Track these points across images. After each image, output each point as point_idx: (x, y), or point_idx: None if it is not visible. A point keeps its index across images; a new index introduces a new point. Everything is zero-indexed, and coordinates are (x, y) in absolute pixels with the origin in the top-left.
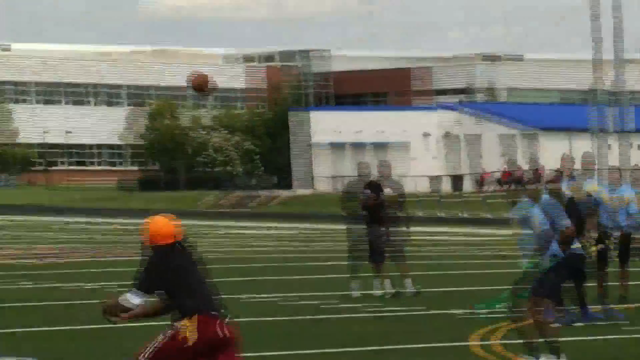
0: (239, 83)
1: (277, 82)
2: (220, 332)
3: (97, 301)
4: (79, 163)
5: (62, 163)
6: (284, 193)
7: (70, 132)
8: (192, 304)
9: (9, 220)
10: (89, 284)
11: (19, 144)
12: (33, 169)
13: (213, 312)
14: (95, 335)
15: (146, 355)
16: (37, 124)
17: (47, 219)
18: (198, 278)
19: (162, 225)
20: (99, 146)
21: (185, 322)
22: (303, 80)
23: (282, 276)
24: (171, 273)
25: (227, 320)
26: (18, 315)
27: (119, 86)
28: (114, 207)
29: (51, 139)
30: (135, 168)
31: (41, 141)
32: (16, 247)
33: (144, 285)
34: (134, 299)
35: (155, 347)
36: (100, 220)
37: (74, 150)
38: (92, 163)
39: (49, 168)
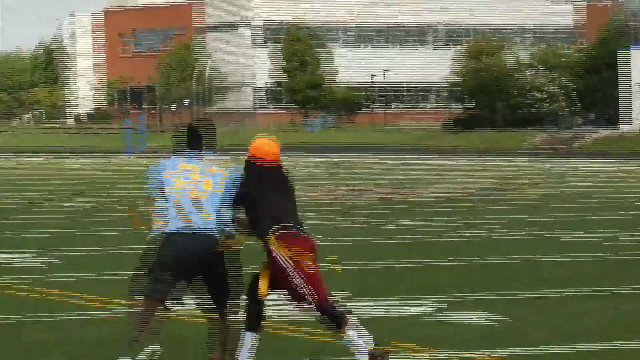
0: (564, 20)
1: (601, 19)
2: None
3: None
4: (399, 103)
5: (382, 103)
6: (607, 132)
7: (389, 72)
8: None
9: (327, 159)
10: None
11: (340, 85)
12: (356, 110)
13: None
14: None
15: (311, 292)
16: (357, 65)
17: (369, 158)
18: (276, 201)
19: (264, 144)
20: (421, 86)
21: (272, 246)
22: (631, 19)
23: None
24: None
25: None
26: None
27: (436, 25)
28: (437, 146)
29: (371, 79)
30: (458, 107)
31: (362, 81)
32: (338, 186)
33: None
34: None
35: (302, 280)
36: (423, 159)
37: (393, 90)
38: (413, 103)
39: (370, 108)
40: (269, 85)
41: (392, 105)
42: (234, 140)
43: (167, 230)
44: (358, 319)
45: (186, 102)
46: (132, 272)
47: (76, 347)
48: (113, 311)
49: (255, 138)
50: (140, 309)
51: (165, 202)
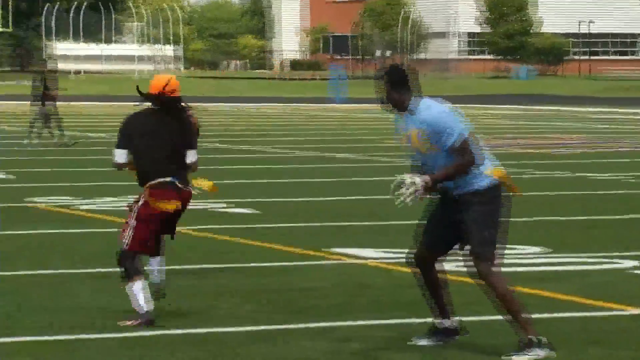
0: None
1: None
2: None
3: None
4: (604, 52)
5: (585, 53)
6: None
7: (594, 23)
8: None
9: (533, 108)
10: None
11: (545, 33)
12: (561, 58)
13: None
14: None
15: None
16: (562, 13)
17: (571, 108)
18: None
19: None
20: (629, 35)
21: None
22: None
23: None
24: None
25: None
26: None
27: None
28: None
29: (578, 27)
30: None
31: (567, 31)
32: (538, 136)
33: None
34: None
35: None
36: (625, 111)
37: (598, 39)
38: (619, 53)
39: (576, 57)
40: (472, 33)
41: (598, 55)
42: (435, 88)
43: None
44: (556, 272)
45: (388, 52)
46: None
47: (279, 294)
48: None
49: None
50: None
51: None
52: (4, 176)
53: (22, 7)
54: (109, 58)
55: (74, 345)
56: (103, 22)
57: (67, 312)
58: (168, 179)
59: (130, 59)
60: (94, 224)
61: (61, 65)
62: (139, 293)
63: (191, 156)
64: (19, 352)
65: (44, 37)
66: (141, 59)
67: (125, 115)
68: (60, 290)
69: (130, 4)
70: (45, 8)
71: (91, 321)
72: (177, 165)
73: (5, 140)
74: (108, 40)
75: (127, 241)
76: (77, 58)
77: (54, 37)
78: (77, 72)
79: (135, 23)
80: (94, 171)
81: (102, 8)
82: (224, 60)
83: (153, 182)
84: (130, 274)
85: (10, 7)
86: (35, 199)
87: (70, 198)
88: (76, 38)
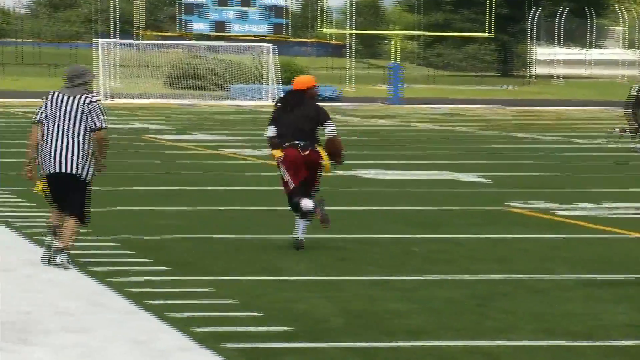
0: None
1: None
2: (300, 153)
3: None
4: None
5: None
6: None
7: None
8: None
9: None
10: None
11: None
12: None
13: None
14: None
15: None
16: None
17: None
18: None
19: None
20: None
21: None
22: None
23: None
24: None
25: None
26: None
27: None
28: None
29: None
30: None
31: None
32: None
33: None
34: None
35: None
36: None
37: None
38: None
39: None
40: None
41: None
42: None
43: None
44: None
45: None
46: None
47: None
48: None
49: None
50: None
51: None
52: (482, 180)
53: (506, 12)
54: (594, 62)
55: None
56: (588, 26)
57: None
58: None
59: (614, 63)
60: (572, 229)
61: (541, 70)
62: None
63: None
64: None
65: (528, 43)
66: (627, 63)
67: None
68: (553, 296)
69: (617, 8)
70: (530, 13)
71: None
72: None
73: (480, 144)
74: (591, 45)
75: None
76: (559, 62)
77: (534, 42)
78: (560, 77)
79: (620, 27)
80: (574, 177)
81: (587, 13)
82: None
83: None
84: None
85: (493, 13)
86: (513, 203)
87: (549, 203)
88: (558, 42)
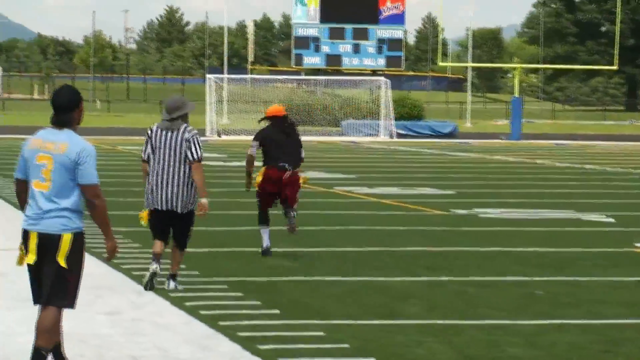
0: None
1: None
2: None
3: None
4: None
5: None
6: None
7: None
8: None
9: None
10: None
11: None
12: None
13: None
14: None
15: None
16: None
17: None
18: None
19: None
20: None
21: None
22: None
23: None
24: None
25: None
26: None
27: None
28: None
29: None
30: None
31: None
32: None
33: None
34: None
35: None
36: None
37: None
38: None
39: None
40: None
41: None
42: None
43: None
44: None
45: None
46: None
47: None
48: None
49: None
50: None
51: None
52: (607, 219)
53: (632, 44)
54: None
55: None
56: None
57: None
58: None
59: None
60: None
61: None
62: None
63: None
64: None
65: None
66: None
67: None
68: None
69: None
70: None
71: None
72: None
73: (604, 182)
74: None
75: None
76: None
77: None
78: None
79: None
80: None
81: None
82: None
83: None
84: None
85: (619, 45)
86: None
87: None
88: None
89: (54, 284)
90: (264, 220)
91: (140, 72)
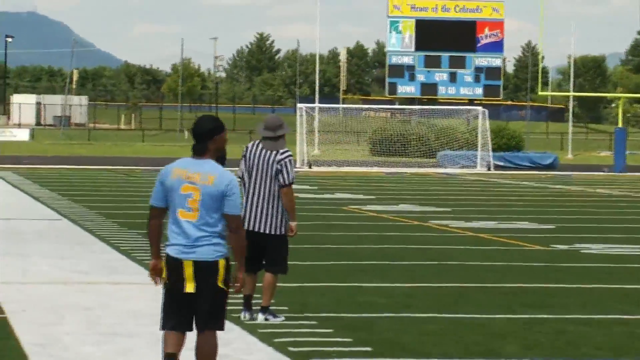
0: None
1: None
2: None
3: None
4: None
5: None
6: None
7: None
8: None
9: None
10: None
11: None
12: None
13: None
14: None
15: None
16: None
17: None
18: None
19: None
20: None
21: None
22: None
23: None
24: None
25: None
26: None
27: None
28: None
29: None
30: None
31: None
32: None
33: None
34: None
35: None
36: None
37: None
38: None
39: None
40: None
41: None
42: None
43: None
44: None
45: None
46: None
47: None
48: None
49: None
50: None
51: None
52: None
53: None
54: None
55: None
56: None
57: None
58: None
59: None
60: None
61: None
62: None
63: None
64: None
65: None
66: None
67: None
68: None
69: None
70: None
71: None
72: None
73: None
74: None
75: None
76: None
77: None
78: None
79: None
80: None
81: None
82: None
83: None
84: None
85: None
86: None
87: None
88: None
89: (212, 308)
90: None
91: (229, 101)
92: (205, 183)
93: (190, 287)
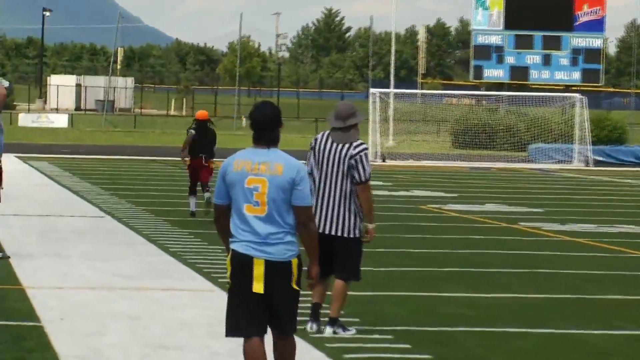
0: None
1: None
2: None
3: None
4: None
5: None
6: None
7: None
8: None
9: None
10: None
11: None
12: None
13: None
14: None
15: None
16: None
17: None
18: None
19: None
20: None
21: None
22: None
23: None
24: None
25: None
26: None
27: None
28: None
29: None
30: None
31: None
32: None
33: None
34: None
35: None
36: None
37: None
38: None
39: None
40: None
41: None
42: None
43: None
44: None
45: None
46: None
47: None
48: None
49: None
50: None
51: None
52: None
53: None
54: None
55: None
56: None
57: None
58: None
59: None
60: None
61: None
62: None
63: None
64: None
65: None
66: None
67: None
68: None
69: None
70: None
71: None
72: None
73: None
74: None
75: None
76: None
77: None
78: None
79: None
80: None
81: None
82: None
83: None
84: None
85: None
86: None
87: None
88: None
89: (287, 311)
90: (192, 191)
91: (293, 85)
92: (273, 173)
93: (258, 287)
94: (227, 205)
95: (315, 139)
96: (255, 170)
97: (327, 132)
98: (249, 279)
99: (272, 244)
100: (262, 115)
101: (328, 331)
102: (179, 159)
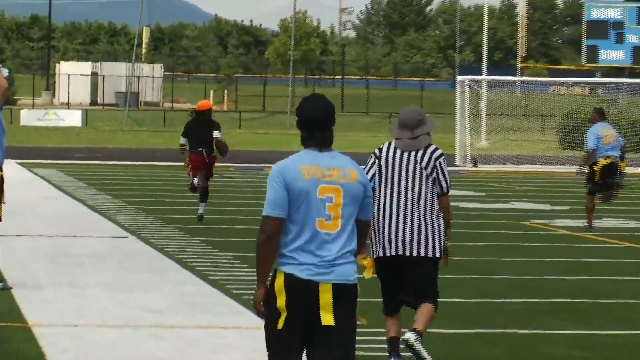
0: None
1: None
2: (203, 155)
3: None
4: None
5: None
6: None
7: None
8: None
9: None
10: None
11: None
12: None
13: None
14: None
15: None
16: None
17: None
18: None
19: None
20: None
21: None
22: None
23: None
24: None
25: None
26: None
27: None
28: None
29: None
30: None
31: None
32: None
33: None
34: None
35: None
36: None
37: None
38: None
39: None
40: None
41: None
42: None
43: None
44: None
45: None
46: None
47: None
48: None
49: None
50: None
51: None
52: None
53: None
54: None
55: None
56: None
57: None
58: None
59: None
60: None
61: None
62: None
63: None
64: None
65: None
66: None
67: None
68: None
69: None
70: None
71: None
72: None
73: None
74: None
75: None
76: None
77: None
78: None
79: None
80: None
81: None
82: None
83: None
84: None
85: None
86: None
87: None
88: None
89: (351, 347)
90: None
91: (361, 72)
92: (348, 181)
93: (328, 319)
94: (284, 219)
95: (380, 149)
96: (327, 178)
97: (393, 140)
98: (314, 309)
99: (340, 265)
100: (318, 111)
101: (410, 336)
102: (219, 164)
